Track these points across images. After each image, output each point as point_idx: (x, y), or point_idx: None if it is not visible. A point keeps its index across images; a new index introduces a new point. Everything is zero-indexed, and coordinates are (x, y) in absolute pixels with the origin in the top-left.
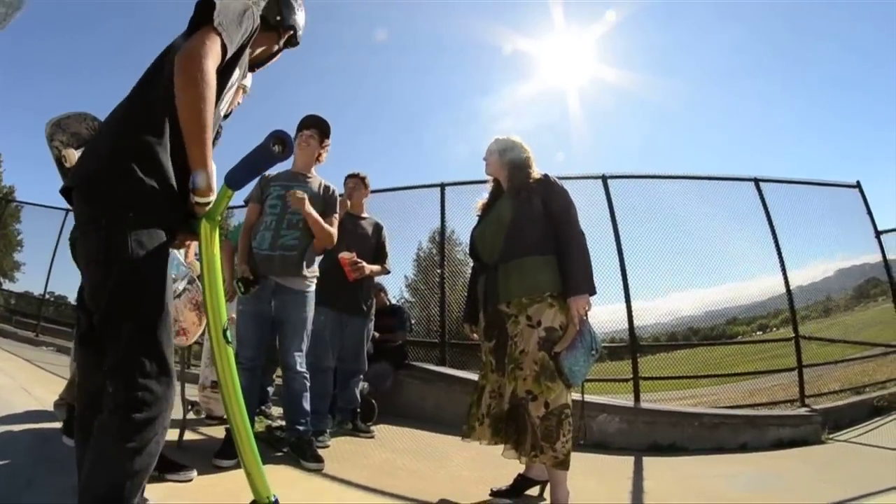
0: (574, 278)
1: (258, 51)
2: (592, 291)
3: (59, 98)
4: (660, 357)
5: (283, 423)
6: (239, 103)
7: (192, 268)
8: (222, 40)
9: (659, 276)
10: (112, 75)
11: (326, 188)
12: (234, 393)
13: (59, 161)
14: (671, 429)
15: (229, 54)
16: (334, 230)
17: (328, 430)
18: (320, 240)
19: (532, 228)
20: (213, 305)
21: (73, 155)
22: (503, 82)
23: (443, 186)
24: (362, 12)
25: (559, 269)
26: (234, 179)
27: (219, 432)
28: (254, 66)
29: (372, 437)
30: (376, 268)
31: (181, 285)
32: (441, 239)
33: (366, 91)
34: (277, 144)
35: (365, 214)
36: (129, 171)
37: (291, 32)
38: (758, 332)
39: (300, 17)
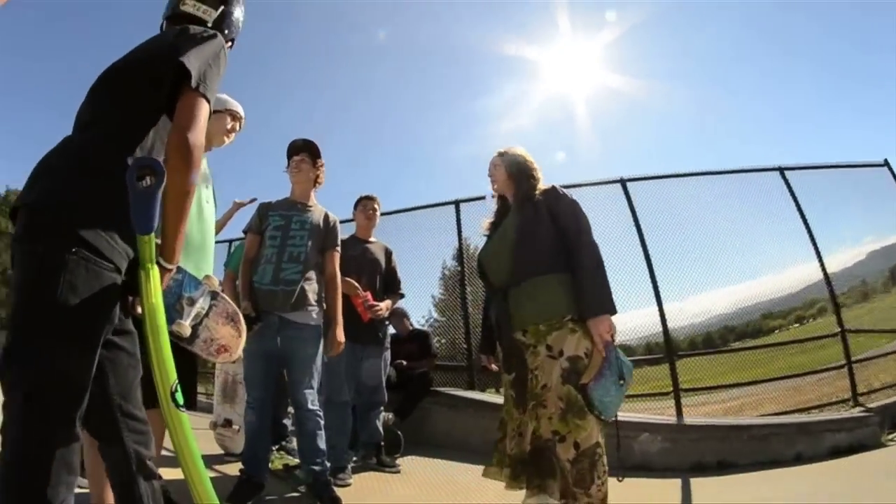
0: (589, 298)
1: None
2: (612, 311)
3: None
4: (696, 358)
5: None
6: (238, 131)
7: (210, 283)
8: (207, 100)
9: (688, 275)
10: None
11: (327, 219)
12: (194, 462)
13: None
14: (718, 444)
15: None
16: (337, 269)
17: (350, 466)
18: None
19: (541, 244)
20: (158, 364)
21: None
22: (509, 88)
23: (457, 203)
24: (362, 19)
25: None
26: (139, 226)
27: (233, 469)
28: None
29: (397, 471)
30: (390, 303)
31: (204, 302)
32: (460, 257)
33: (367, 103)
34: (146, 177)
35: (373, 239)
36: (87, 204)
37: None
38: (795, 325)
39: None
